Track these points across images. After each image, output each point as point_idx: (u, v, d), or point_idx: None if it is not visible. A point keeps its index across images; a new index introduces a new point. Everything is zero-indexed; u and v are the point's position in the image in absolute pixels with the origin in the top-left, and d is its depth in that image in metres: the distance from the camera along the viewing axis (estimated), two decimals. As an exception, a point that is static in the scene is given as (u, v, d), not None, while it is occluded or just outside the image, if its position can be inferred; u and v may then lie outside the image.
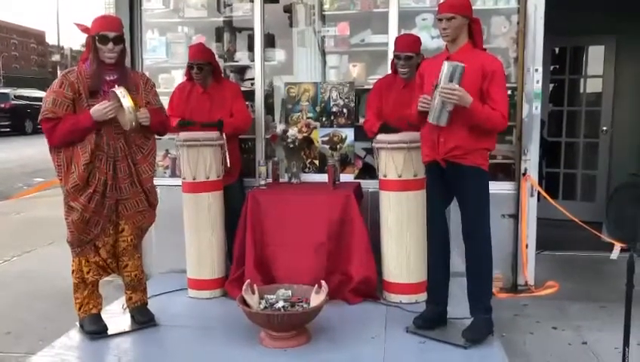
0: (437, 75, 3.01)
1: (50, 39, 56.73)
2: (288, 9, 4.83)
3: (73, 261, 3.35)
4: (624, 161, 6.06)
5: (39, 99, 21.15)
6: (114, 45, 3.18)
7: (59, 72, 38.26)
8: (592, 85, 6.58)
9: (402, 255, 3.79)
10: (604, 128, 6.30)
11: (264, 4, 4.60)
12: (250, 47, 4.75)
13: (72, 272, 3.36)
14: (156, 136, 3.47)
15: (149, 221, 3.46)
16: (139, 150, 3.32)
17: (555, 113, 6.66)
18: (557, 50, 6.72)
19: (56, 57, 40.34)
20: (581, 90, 6.64)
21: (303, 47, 4.80)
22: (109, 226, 3.32)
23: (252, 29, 4.66)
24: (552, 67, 6.63)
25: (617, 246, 2.79)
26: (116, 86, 3.11)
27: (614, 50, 6.25)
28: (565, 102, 6.58)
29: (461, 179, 3.15)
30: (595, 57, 6.47)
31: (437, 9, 3.18)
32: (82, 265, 3.32)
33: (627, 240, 4.93)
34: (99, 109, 3.10)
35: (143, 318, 3.50)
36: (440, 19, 3.10)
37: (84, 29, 3.21)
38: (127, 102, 3.03)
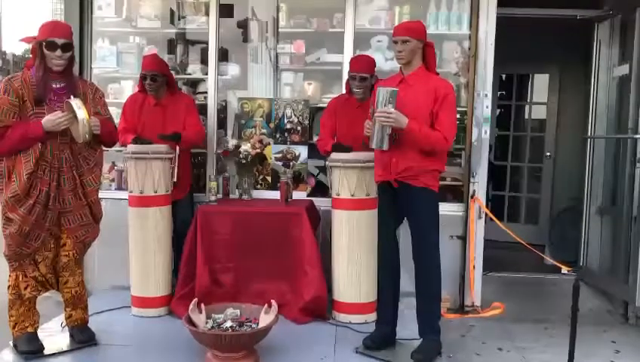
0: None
1: (-8, 43, 54.54)
2: (242, 25, 4.80)
3: (10, 275, 3.18)
4: (566, 186, 6.26)
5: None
6: (62, 52, 3.07)
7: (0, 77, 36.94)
8: (537, 112, 6.81)
9: (353, 274, 3.78)
10: (548, 154, 6.52)
11: (219, 19, 4.56)
12: (204, 60, 4.69)
13: (8, 288, 3.19)
14: (103, 148, 3.36)
15: (92, 235, 3.32)
16: (85, 161, 3.20)
17: (501, 138, 6.85)
18: (504, 76, 6.94)
19: (-4, 61, 38.72)
20: (526, 117, 6.86)
21: (257, 63, 4.78)
22: (49, 240, 3.18)
23: (205, 42, 4.61)
24: (499, 93, 6.83)
25: (564, 269, 2.87)
26: (72, 97, 2.99)
27: (558, 78, 6.50)
28: (511, 128, 6.78)
29: (412, 200, 3.17)
30: (540, 85, 6.71)
31: (392, 32, 3.22)
32: (19, 281, 3.15)
33: (569, 262, 5.12)
34: (52, 120, 2.98)
35: (82, 337, 3.34)
36: (395, 42, 3.15)
37: (31, 40, 3.08)
38: (82, 113, 2.92)
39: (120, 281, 4.21)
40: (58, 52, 3.06)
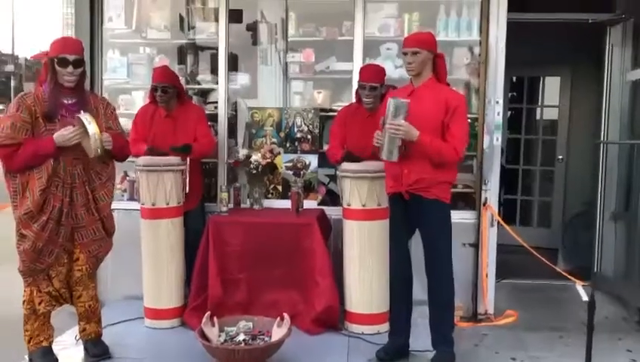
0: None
1: (4, 47, 54.97)
2: (252, 27, 4.80)
3: (24, 291, 3.21)
4: (579, 189, 6.20)
5: (-9, 110, 20.52)
6: (74, 68, 3.09)
7: (12, 81, 37.13)
8: (549, 113, 6.76)
9: (365, 285, 3.77)
10: (560, 157, 6.46)
11: (229, 24, 4.54)
12: (214, 70, 4.69)
13: (23, 303, 3.22)
14: (115, 162, 3.38)
15: (105, 250, 3.35)
16: (97, 176, 3.23)
17: (512, 141, 6.80)
18: (514, 78, 6.88)
19: (9, 67, 38.97)
20: (538, 119, 6.80)
21: (267, 68, 4.77)
22: (63, 255, 3.20)
23: (215, 48, 4.59)
24: (509, 94, 6.76)
25: (579, 284, 2.84)
26: (82, 112, 3.01)
27: (570, 80, 6.44)
28: (523, 131, 6.73)
29: (424, 212, 3.17)
30: (552, 87, 6.65)
31: (402, 42, 3.21)
32: (34, 296, 3.18)
33: (582, 267, 5.07)
34: (63, 134, 3.00)
35: (96, 350, 3.37)
36: (405, 53, 3.14)
37: (42, 56, 3.11)
38: (92, 128, 2.94)
39: (133, 291, 4.22)
40: (69, 68, 3.08)
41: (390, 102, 3.06)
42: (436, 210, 3.14)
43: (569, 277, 3.04)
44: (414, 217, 3.22)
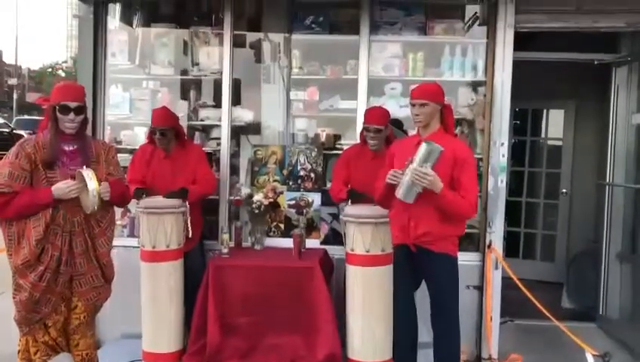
0: (411, 154, 2.98)
1: (8, 58, 55.17)
2: (255, 45, 4.79)
3: (20, 340, 3.15)
4: (583, 224, 6.13)
5: (-5, 123, 20.59)
6: (75, 115, 3.05)
7: (15, 95, 37.26)
8: (553, 147, 6.70)
9: (368, 331, 3.69)
10: (564, 190, 6.40)
11: (233, 53, 4.51)
12: (217, 105, 4.65)
13: (18, 352, 3.15)
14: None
15: (104, 297, 3.29)
16: (97, 224, 3.17)
17: (515, 173, 6.72)
18: (517, 109, 6.82)
19: (12, 81, 39.14)
20: (541, 152, 6.75)
21: (270, 88, 4.76)
22: (60, 303, 3.13)
23: (219, 74, 4.55)
24: (513, 122, 6.67)
25: (589, 354, 2.78)
26: (84, 167, 2.97)
27: (574, 114, 6.40)
28: (526, 163, 6.67)
29: (430, 265, 3.13)
30: (556, 120, 6.61)
31: (410, 94, 3.17)
32: (29, 346, 3.11)
33: (587, 306, 5.00)
34: (62, 188, 2.95)
35: (94, 399, 3.30)
36: (413, 105, 3.10)
37: (44, 103, 3.07)
38: (93, 185, 2.88)
39: (132, 329, 4.15)
40: (71, 115, 3.04)
41: (423, 146, 2.91)
42: (444, 264, 3.11)
43: (580, 343, 2.97)
44: (421, 270, 3.18)
